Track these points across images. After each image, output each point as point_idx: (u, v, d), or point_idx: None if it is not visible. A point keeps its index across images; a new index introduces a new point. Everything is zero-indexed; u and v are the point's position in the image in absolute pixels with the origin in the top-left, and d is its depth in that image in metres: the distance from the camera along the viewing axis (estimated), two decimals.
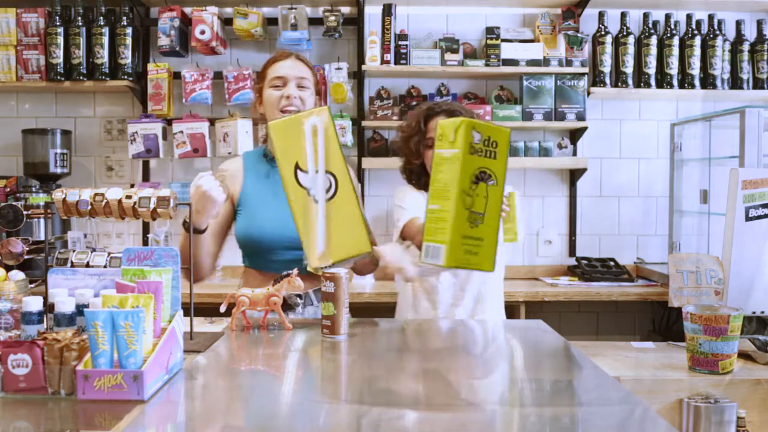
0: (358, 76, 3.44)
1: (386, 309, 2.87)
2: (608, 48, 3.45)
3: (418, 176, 2.24)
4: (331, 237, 1.64)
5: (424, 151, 2.17)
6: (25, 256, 1.63)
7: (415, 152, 2.19)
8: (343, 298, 1.63)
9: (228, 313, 1.73)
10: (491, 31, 3.42)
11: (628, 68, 3.44)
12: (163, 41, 3.33)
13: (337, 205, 1.64)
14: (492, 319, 2.19)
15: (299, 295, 1.97)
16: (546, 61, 3.39)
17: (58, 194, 1.56)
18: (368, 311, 2.50)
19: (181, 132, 3.36)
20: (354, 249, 1.66)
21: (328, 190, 1.64)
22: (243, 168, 2.06)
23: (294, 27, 3.34)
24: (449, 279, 2.19)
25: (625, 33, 3.45)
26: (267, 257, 1.98)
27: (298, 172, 1.62)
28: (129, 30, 3.36)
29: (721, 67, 3.45)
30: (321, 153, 1.62)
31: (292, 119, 1.65)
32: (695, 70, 3.44)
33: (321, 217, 1.63)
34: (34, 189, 3.24)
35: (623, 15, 3.47)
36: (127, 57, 3.36)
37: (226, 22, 3.46)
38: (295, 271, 1.72)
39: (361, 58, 3.40)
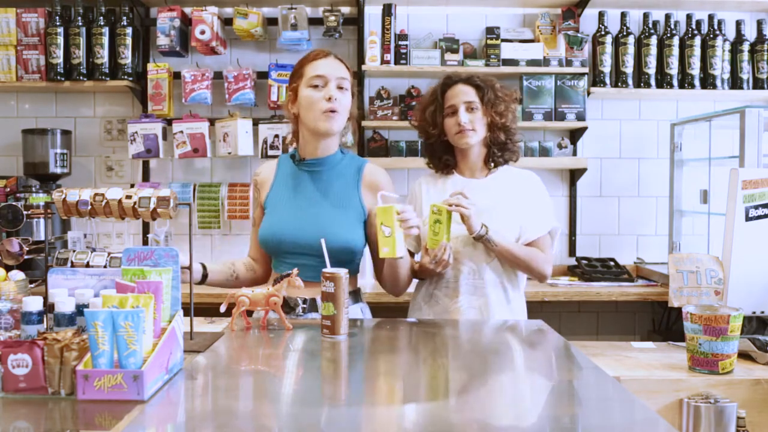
0: (358, 76, 3.44)
1: (386, 309, 2.86)
2: (608, 48, 3.45)
3: (439, 153, 2.21)
4: None
5: (442, 121, 2.16)
6: (25, 256, 1.63)
7: (431, 121, 2.18)
8: (342, 298, 1.63)
9: (228, 313, 1.72)
10: (491, 31, 3.42)
11: (628, 68, 3.44)
12: (163, 41, 3.33)
13: None
14: (516, 314, 2.15)
15: (304, 300, 1.92)
16: (546, 61, 3.39)
17: (58, 194, 1.56)
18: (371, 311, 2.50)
19: (181, 132, 3.37)
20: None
21: None
22: (275, 172, 2.05)
23: (294, 27, 3.34)
24: (469, 266, 2.13)
25: (625, 33, 3.45)
26: (281, 259, 1.96)
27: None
28: (129, 30, 3.36)
29: (721, 67, 3.45)
30: None
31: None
32: (695, 70, 3.44)
33: None
34: (34, 189, 3.24)
35: (623, 15, 3.47)
36: (127, 57, 3.36)
37: (226, 22, 3.46)
38: (295, 270, 1.72)
39: (361, 58, 3.40)
